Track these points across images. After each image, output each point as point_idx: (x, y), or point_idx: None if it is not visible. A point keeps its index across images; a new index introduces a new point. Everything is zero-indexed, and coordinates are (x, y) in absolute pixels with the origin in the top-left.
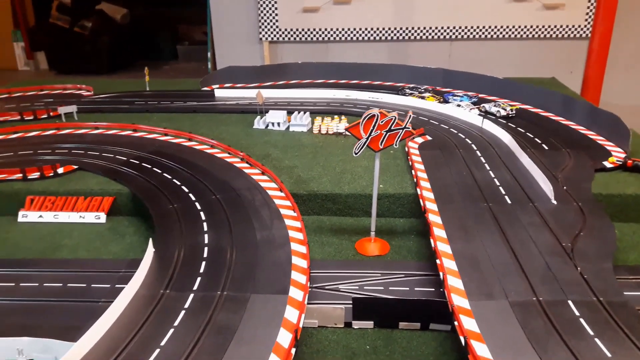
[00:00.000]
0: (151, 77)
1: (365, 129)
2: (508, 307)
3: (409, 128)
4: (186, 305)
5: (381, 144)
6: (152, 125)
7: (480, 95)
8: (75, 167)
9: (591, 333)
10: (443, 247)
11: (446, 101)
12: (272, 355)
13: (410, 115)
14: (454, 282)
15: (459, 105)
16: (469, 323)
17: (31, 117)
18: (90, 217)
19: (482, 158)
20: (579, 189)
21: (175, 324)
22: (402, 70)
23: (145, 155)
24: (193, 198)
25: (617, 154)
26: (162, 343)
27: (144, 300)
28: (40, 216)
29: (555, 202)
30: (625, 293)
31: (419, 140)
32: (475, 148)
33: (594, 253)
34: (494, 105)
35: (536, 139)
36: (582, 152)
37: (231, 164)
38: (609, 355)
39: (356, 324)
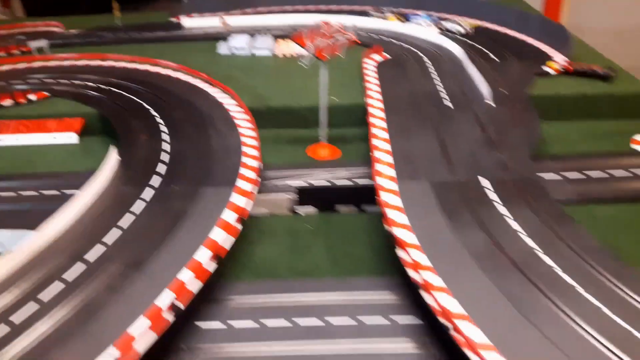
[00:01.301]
0: (124, 13)
1: (311, 38)
2: (428, 187)
3: (352, 37)
4: (146, 198)
5: (326, 54)
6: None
7: (441, 14)
8: (47, 94)
9: (498, 201)
10: (384, 146)
11: (408, 21)
12: (216, 228)
13: (354, 26)
14: (388, 171)
15: (419, 24)
16: (394, 200)
17: (3, 54)
18: (62, 138)
19: (434, 71)
20: (517, 92)
21: (137, 212)
22: None
23: (114, 81)
24: (156, 115)
25: (561, 61)
26: (124, 226)
27: (108, 195)
28: (16, 139)
29: (493, 105)
30: (541, 174)
31: (379, 58)
32: (429, 63)
33: (516, 143)
34: (454, 23)
35: (489, 53)
36: (527, 60)
37: (194, 85)
38: (508, 214)
39: (301, 210)
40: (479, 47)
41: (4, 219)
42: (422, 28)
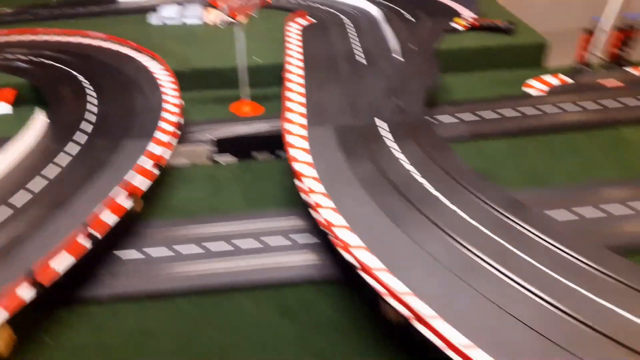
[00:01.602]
0: None
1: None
2: (332, 130)
3: None
4: (71, 152)
5: (239, 14)
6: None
7: None
8: None
9: (390, 138)
10: (298, 98)
11: None
12: (131, 171)
13: None
14: (298, 119)
15: None
16: (302, 143)
17: None
18: None
19: (354, 32)
20: (425, 47)
21: (62, 164)
22: None
23: (46, 53)
24: (85, 82)
25: (469, 17)
26: (50, 176)
27: (35, 150)
28: None
29: (402, 59)
30: (439, 117)
31: (304, 22)
32: (350, 25)
33: (415, 90)
34: None
35: (405, 13)
36: (438, 18)
37: (123, 53)
38: (397, 148)
39: (220, 159)
40: (397, 8)
41: None
42: None
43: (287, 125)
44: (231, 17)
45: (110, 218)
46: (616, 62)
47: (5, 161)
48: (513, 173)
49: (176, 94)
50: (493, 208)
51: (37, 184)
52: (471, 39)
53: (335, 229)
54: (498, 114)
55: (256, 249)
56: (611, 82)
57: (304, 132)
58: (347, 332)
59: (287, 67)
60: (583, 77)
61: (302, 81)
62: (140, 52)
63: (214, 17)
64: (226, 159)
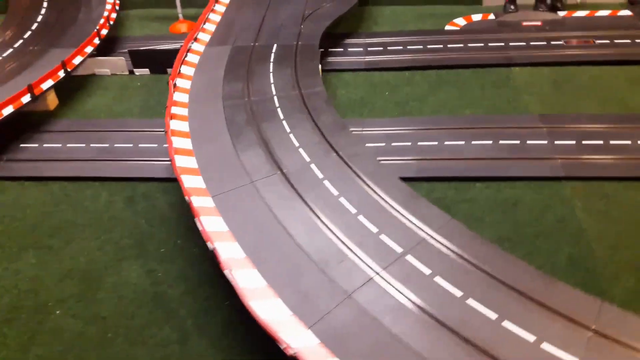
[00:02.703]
0: None
1: None
2: (229, 49)
3: None
4: (2, 55)
5: None
6: None
7: None
8: None
9: (271, 61)
10: (216, 18)
11: None
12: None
13: None
14: (206, 38)
15: None
16: (194, 59)
17: None
18: None
19: None
20: None
21: None
22: None
23: None
24: None
25: None
26: None
27: None
28: None
29: None
30: (349, 44)
31: None
32: None
33: (323, 17)
34: None
35: None
36: None
37: None
38: (271, 70)
39: (137, 71)
40: None
41: None
42: None
43: (191, 44)
44: None
45: (7, 110)
46: (553, 4)
47: None
48: (386, 103)
49: (116, 8)
50: (319, 130)
51: None
52: None
53: (173, 138)
54: (401, 46)
55: (127, 150)
56: (530, 22)
57: (202, 50)
58: (173, 219)
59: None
60: (507, 16)
61: (227, 1)
62: None
63: None
64: (143, 72)
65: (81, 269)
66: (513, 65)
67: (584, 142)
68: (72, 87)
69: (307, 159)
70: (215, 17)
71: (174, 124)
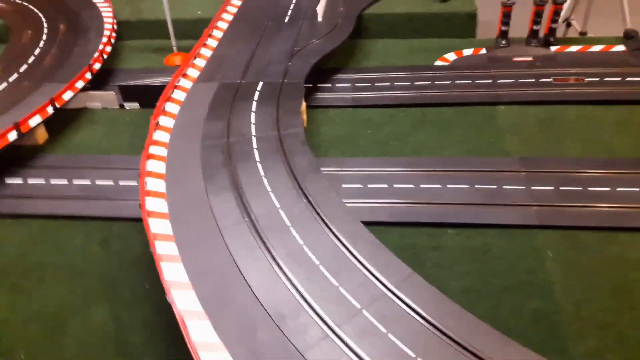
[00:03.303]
0: None
1: None
2: (215, 86)
3: None
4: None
5: None
6: None
7: None
8: None
9: (255, 99)
10: (207, 53)
11: None
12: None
13: None
14: (195, 74)
15: None
16: (181, 96)
17: None
18: None
19: None
20: (349, 10)
21: None
22: None
23: None
24: (44, 22)
25: None
26: None
27: None
28: None
29: (320, 20)
30: (337, 80)
31: None
32: None
33: (311, 53)
34: None
35: None
36: None
37: None
38: (253, 109)
39: (127, 105)
40: None
41: None
42: None
43: (179, 81)
44: None
45: None
46: (546, 39)
47: None
48: (368, 142)
49: (111, 41)
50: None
51: None
52: (402, 3)
53: (147, 179)
54: (388, 82)
55: (106, 188)
56: (521, 57)
57: (189, 86)
58: (144, 262)
59: (216, 22)
60: (498, 51)
61: (220, 35)
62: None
63: None
64: (133, 105)
65: (49, 313)
66: (499, 104)
67: (561, 187)
68: (62, 121)
69: (277, 205)
70: (207, 52)
71: (150, 165)
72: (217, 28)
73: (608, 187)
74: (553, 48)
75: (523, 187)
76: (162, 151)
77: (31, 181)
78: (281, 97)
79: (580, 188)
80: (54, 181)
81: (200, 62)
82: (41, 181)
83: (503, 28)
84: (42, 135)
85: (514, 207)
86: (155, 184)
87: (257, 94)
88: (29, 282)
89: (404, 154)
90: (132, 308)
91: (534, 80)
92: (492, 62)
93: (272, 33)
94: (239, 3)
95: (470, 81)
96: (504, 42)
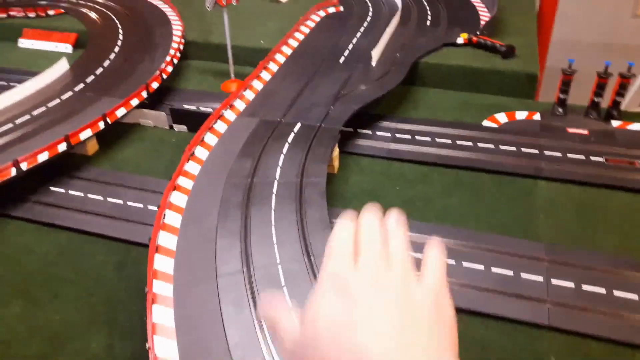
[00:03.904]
0: None
1: None
2: (255, 122)
3: None
4: (62, 98)
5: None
6: None
7: None
8: (62, 10)
9: (289, 142)
10: (258, 86)
11: None
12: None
13: None
14: (242, 107)
15: None
16: (222, 128)
17: None
18: (61, 47)
19: (364, 26)
20: (406, 56)
21: (64, 98)
22: None
23: (110, 4)
24: (120, 33)
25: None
26: (50, 105)
27: (38, 93)
28: (32, 44)
29: (373, 64)
30: (379, 128)
31: (330, 10)
32: (369, 19)
33: (355, 99)
34: None
35: (429, 15)
36: (453, 28)
37: (164, 12)
38: (284, 152)
39: (175, 127)
40: (425, 6)
41: None
42: None
43: (224, 111)
44: (218, 3)
45: (43, 156)
46: (608, 112)
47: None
48: (393, 199)
49: (174, 60)
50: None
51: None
52: (461, 55)
53: (167, 211)
54: (429, 137)
55: (134, 210)
56: (576, 129)
57: (233, 118)
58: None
59: (273, 55)
60: (553, 119)
61: (275, 69)
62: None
63: None
64: (181, 128)
65: (53, 329)
66: (541, 178)
67: (584, 286)
68: (115, 134)
69: (277, 259)
70: (258, 85)
71: (173, 197)
72: (273, 60)
73: (635, 295)
74: (615, 123)
75: (541, 279)
76: (189, 184)
77: (71, 192)
78: (314, 142)
79: (605, 291)
80: (91, 195)
81: (250, 95)
82: (80, 194)
83: (561, 96)
84: (92, 147)
85: (526, 301)
86: (172, 218)
87: (292, 135)
88: (45, 294)
89: (426, 219)
90: (126, 338)
91: (584, 157)
92: (544, 130)
93: (325, 72)
94: (301, 37)
95: (515, 148)
96: (560, 110)
